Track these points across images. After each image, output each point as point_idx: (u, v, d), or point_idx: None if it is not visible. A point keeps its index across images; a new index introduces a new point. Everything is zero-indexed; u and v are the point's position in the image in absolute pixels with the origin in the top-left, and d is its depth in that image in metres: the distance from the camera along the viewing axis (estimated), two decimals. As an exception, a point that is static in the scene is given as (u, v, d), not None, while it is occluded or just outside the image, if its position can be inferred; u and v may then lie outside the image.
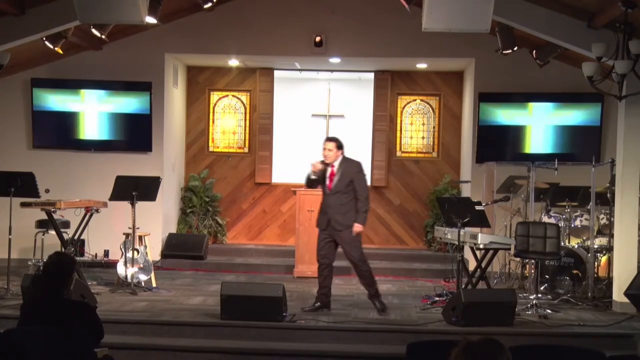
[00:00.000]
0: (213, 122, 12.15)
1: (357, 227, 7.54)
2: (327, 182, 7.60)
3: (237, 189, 12.02)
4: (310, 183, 7.77)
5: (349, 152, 11.86)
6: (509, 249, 8.45)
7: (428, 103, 12.01)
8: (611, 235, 8.36)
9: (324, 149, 7.63)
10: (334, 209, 7.54)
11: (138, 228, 8.64)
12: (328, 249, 7.61)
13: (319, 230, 7.68)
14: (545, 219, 8.95)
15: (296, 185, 10.58)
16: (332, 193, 7.57)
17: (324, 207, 7.62)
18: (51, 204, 8.31)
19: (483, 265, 8.06)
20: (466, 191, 10.68)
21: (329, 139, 7.76)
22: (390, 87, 11.88)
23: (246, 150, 12.11)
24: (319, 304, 7.62)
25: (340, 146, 7.63)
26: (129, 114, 10.75)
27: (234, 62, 11.62)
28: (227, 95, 12.17)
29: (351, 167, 7.64)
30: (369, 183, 11.73)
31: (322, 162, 7.63)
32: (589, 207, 8.56)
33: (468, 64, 11.04)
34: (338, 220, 7.53)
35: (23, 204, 8.31)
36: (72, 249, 8.52)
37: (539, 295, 7.98)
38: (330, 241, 7.61)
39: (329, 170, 7.61)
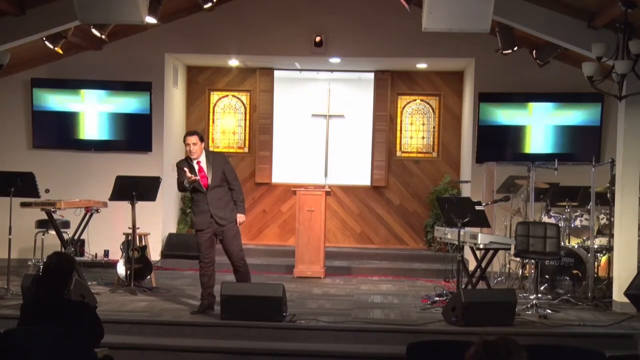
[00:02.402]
0: (213, 122, 12.16)
1: (241, 218, 7.47)
2: (200, 180, 7.36)
3: (237, 189, 12.00)
4: (182, 189, 7.59)
5: (349, 152, 11.96)
6: (509, 249, 8.45)
7: (428, 103, 12.01)
8: (611, 235, 8.36)
9: (189, 144, 7.33)
10: (214, 205, 7.35)
11: (138, 228, 8.64)
12: (210, 248, 7.45)
13: (198, 231, 7.46)
14: (545, 219, 8.95)
15: (296, 185, 10.60)
16: (209, 190, 7.36)
17: (201, 206, 7.39)
18: (51, 204, 8.31)
19: (483, 265, 8.06)
20: (466, 191, 10.68)
21: (191, 133, 7.46)
22: (390, 87, 11.88)
23: (246, 150, 12.11)
24: (206, 302, 7.45)
25: (202, 139, 7.44)
26: (129, 114, 10.75)
27: (234, 62, 11.62)
28: (227, 95, 12.17)
29: (219, 159, 7.55)
30: (368, 183, 11.92)
31: (188, 170, 7.32)
32: (589, 207, 8.56)
33: (468, 64, 11.04)
34: (220, 215, 7.37)
35: (23, 204, 8.31)
36: (72, 249, 8.52)
37: (539, 295, 7.98)
38: (211, 240, 7.45)
39: (196, 167, 7.38)
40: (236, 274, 7.58)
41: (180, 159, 7.79)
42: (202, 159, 7.41)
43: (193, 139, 7.32)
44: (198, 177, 7.34)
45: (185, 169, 7.34)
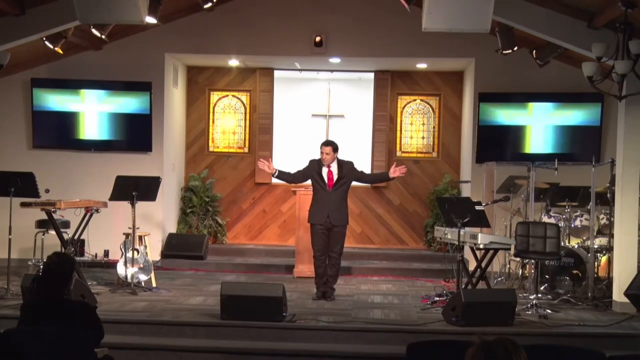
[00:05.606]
0: (213, 122, 12.15)
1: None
2: (326, 180, 8.28)
3: (237, 189, 12.02)
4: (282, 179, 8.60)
5: (349, 152, 11.95)
6: (509, 249, 8.44)
7: (428, 103, 12.01)
8: (611, 235, 8.36)
9: (322, 152, 8.31)
10: (332, 206, 8.21)
11: (138, 228, 8.64)
12: (324, 242, 8.25)
13: (314, 224, 8.29)
14: (545, 219, 8.95)
15: (296, 185, 10.58)
16: (332, 191, 8.25)
17: (321, 203, 8.25)
18: (51, 204, 8.31)
19: (483, 265, 8.06)
20: (466, 191, 10.68)
21: (326, 144, 8.41)
22: (390, 87, 11.88)
23: (246, 150, 12.11)
24: (321, 291, 8.32)
25: (336, 149, 8.33)
26: (129, 114, 10.75)
27: (234, 62, 11.62)
28: (227, 95, 12.16)
29: (348, 167, 8.38)
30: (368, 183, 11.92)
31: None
32: (589, 207, 8.56)
33: (468, 64, 11.04)
34: (336, 217, 8.22)
35: (23, 204, 8.31)
36: (72, 249, 8.52)
37: (539, 295, 7.98)
38: (324, 233, 8.23)
39: (325, 170, 8.28)
40: (330, 267, 8.32)
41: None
42: (334, 165, 8.29)
43: (327, 150, 8.28)
44: (272, 172, 8.33)
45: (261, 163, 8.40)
